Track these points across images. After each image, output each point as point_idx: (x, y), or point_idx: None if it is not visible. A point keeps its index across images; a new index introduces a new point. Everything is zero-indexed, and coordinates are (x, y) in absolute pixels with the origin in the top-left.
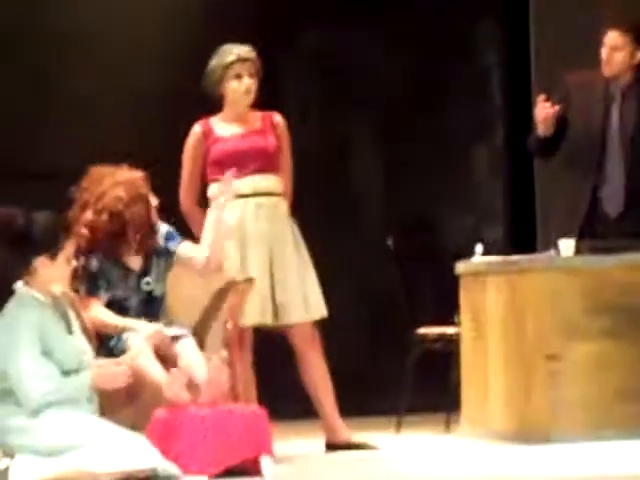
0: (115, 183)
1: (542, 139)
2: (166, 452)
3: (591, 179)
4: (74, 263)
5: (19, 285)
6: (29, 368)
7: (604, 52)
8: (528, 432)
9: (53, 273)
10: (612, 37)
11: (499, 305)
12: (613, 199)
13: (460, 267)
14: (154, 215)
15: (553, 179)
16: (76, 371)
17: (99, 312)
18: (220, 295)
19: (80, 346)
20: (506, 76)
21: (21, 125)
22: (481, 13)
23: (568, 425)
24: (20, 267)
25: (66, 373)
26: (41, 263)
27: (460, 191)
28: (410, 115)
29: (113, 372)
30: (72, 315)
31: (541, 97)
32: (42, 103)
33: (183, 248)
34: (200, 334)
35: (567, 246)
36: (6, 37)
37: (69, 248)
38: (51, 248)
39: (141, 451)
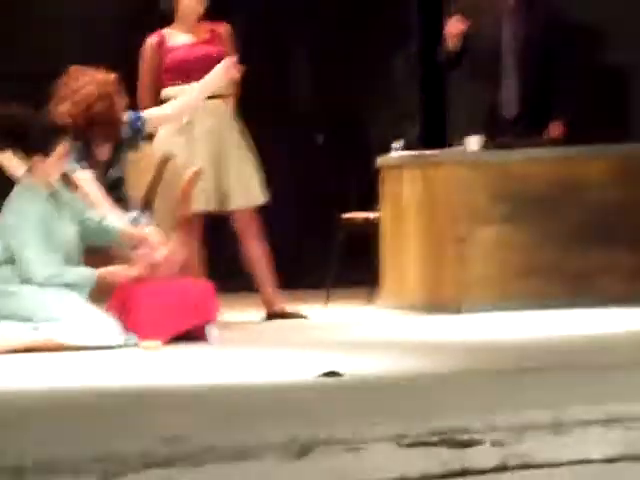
0: (90, 81)
1: (450, 53)
2: (126, 320)
3: (489, 86)
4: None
5: (23, 175)
6: (34, 252)
7: None
8: (440, 304)
9: (48, 170)
10: None
11: (414, 194)
12: (509, 103)
13: (380, 160)
14: (122, 111)
15: (459, 85)
16: (70, 257)
17: (91, 188)
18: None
19: (70, 232)
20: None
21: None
22: None
23: (474, 298)
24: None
25: (67, 259)
26: (39, 160)
27: (381, 94)
28: (339, 25)
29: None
30: (70, 200)
31: (453, 17)
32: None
33: (148, 113)
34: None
35: (474, 142)
36: None
37: (60, 148)
38: (46, 148)
39: (106, 327)
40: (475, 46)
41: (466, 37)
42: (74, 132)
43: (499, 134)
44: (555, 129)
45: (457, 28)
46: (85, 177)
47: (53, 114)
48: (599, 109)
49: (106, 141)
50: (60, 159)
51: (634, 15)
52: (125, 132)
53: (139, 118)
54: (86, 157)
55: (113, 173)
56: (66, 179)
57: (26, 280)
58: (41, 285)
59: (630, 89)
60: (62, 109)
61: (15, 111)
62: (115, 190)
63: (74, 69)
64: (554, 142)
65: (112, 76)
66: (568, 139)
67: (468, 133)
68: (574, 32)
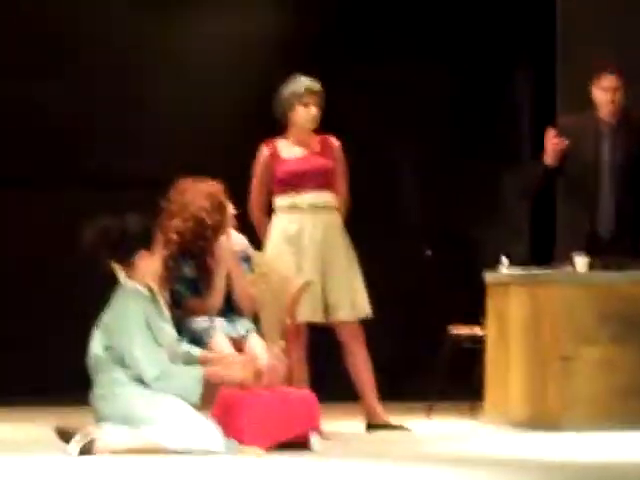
0: (199, 194)
1: (546, 170)
2: (228, 426)
3: (584, 207)
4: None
5: (122, 279)
6: (142, 351)
7: (608, 95)
8: (542, 421)
9: (150, 265)
10: (613, 79)
11: (520, 311)
12: (606, 222)
13: (488, 277)
14: (231, 221)
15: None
16: (171, 359)
17: (222, 344)
18: (280, 295)
19: (173, 332)
20: (533, 111)
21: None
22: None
23: (577, 417)
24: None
25: (172, 359)
26: (140, 257)
27: (491, 209)
28: (448, 145)
29: (229, 370)
30: (163, 304)
31: (550, 131)
32: (124, 122)
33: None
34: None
35: (581, 262)
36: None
37: (160, 245)
38: (146, 244)
39: (208, 432)
40: (573, 166)
41: (564, 157)
42: (182, 245)
43: (598, 254)
44: None
45: (555, 144)
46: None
47: (161, 229)
48: None
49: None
50: (155, 263)
51: None
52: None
53: (248, 260)
54: (200, 277)
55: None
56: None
57: (136, 378)
58: (149, 386)
59: None
60: (171, 225)
61: (107, 225)
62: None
63: (182, 182)
64: None
65: (220, 187)
66: None
67: (571, 251)
68: None
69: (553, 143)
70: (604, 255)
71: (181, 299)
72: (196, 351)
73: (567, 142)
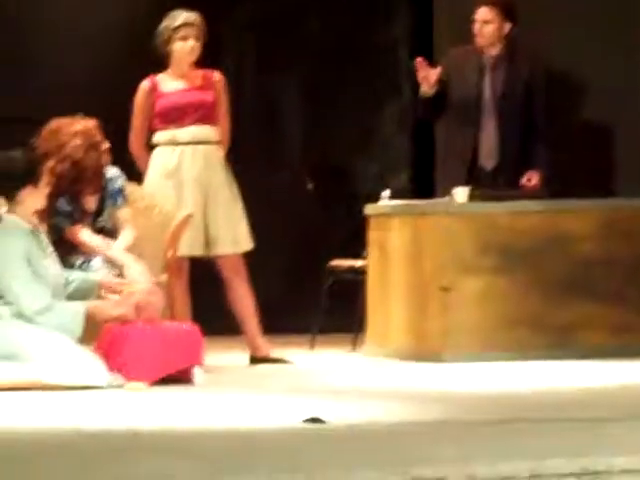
0: (74, 133)
1: (425, 99)
2: (112, 361)
3: (468, 137)
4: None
5: (3, 214)
6: (22, 285)
7: (476, 26)
8: (424, 352)
9: (37, 200)
10: (482, 11)
11: (401, 243)
12: (488, 155)
13: (369, 209)
14: (105, 158)
15: (447, 136)
16: (54, 295)
17: (90, 237)
18: (161, 229)
19: (57, 269)
20: (412, 46)
21: None
22: None
23: (458, 347)
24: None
25: (54, 296)
26: (27, 193)
27: (372, 143)
28: (330, 76)
29: (112, 306)
30: (46, 240)
31: (419, 60)
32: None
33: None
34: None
35: (461, 193)
36: None
37: (44, 180)
38: (32, 178)
39: (91, 367)
40: (456, 98)
41: (444, 84)
42: (60, 186)
43: (478, 185)
44: (530, 179)
45: (427, 71)
46: (84, 229)
47: (35, 161)
48: (580, 163)
49: (94, 192)
50: (41, 198)
51: (617, 69)
52: (110, 189)
53: (120, 191)
54: (75, 208)
55: (100, 222)
56: (50, 230)
57: (17, 314)
58: (30, 321)
59: (612, 143)
60: (48, 165)
61: None
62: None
63: (55, 122)
64: (538, 194)
65: (92, 123)
66: (550, 192)
67: (452, 182)
68: (556, 85)
69: (422, 72)
70: (485, 187)
71: (60, 232)
72: (96, 276)
73: (439, 70)
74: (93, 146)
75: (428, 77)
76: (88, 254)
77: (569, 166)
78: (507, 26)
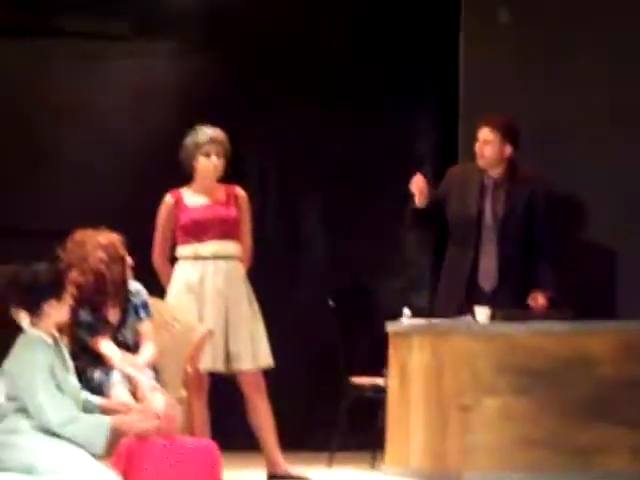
0: (97, 246)
1: (416, 210)
2: (129, 477)
3: (466, 257)
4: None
5: (26, 326)
6: (46, 397)
7: (477, 146)
8: (443, 472)
9: (60, 313)
10: (483, 132)
11: (422, 362)
12: (487, 276)
13: (390, 326)
14: (128, 272)
15: (446, 255)
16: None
17: (110, 349)
18: (182, 343)
19: (77, 384)
20: (437, 164)
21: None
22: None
23: (478, 467)
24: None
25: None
26: (51, 306)
27: (393, 261)
28: (350, 195)
29: (138, 420)
30: (67, 354)
31: (417, 174)
32: (36, 169)
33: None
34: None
35: (482, 313)
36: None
37: (68, 290)
38: (56, 292)
39: None
40: (455, 216)
41: (438, 204)
42: (82, 298)
43: (477, 305)
44: (536, 299)
45: (420, 183)
46: (104, 341)
47: (59, 274)
48: (583, 285)
49: (116, 305)
50: (64, 311)
51: (618, 191)
52: (134, 302)
53: (145, 308)
54: (96, 319)
55: (123, 336)
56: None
57: (38, 428)
58: (53, 433)
59: (615, 266)
60: (70, 277)
61: (18, 268)
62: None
63: (79, 234)
64: (562, 315)
65: (116, 237)
66: (563, 312)
67: (449, 302)
68: (558, 207)
69: (420, 184)
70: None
71: (82, 342)
72: (95, 399)
73: (428, 186)
74: (116, 260)
75: (424, 191)
76: (108, 367)
77: (573, 287)
78: (508, 149)
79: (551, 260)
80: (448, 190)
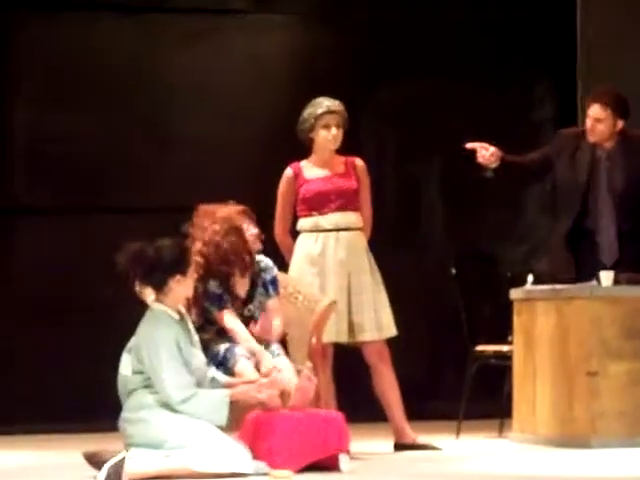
0: (213, 218)
1: (490, 173)
2: (256, 448)
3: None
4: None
5: (153, 302)
6: (169, 375)
7: (588, 122)
8: (570, 438)
9: (185, 289)
10: (595, 109)
11: (546, 327)
12: (608, 250)
13: (514, 293)
14: (253, 242)
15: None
16: (200, 382)
17: (234, 323)
18: (306, 315)
19: (203, 357)
20: (557, 129)
21: (134, 168)
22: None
23: (606, 433)
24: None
25: (197, 383)
26: (176, 281)
27: (516, 227)
28: (470, 162)
29: (255, 391)
30: (192, 328)
31: (468, 146)
32: (153, 148)
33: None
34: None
35: (607, 277)
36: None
37: (192, 267)
38: (180, 267)
39: (237, 455)
40: (564, 183)
41: (549, 156)
42: (207, 269)
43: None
44: None
45: (483, 157)
46: (229, 314)
47: (183, 249)
48: None
49: (243, 274)
50: (189, 286)
51: None
52: (263, 278)
53: (274, 284)
54: (224, 292)
55: (250, 311)
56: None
57: (163, 403)
58: (175, 410)
59: None
60: (194, 249)
61: (143, 245)
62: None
63: (203, 208)
64: None
65: (237, 209)
66: None
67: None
68: None
69: (480, 153)
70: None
71: (209, 314)
72: (221, 377)
73: (495, 150)
74: (231, 231)
75: (486, 157)
76: (233, 341)
77: None
78: (619, 123)
79: None
80: (559, 152)
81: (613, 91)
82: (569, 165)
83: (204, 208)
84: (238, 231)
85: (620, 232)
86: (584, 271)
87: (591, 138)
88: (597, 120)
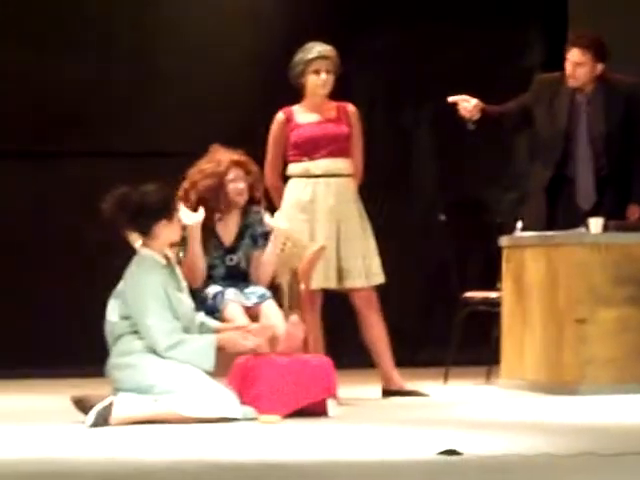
0: (210, 159)
1: (473, 124)
2: (245, 393)
3: (548, 171)
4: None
5: (139, 247)
6: (155, 320)
7: (568, 67)
8: (559, 385)
9: (171, 233)
10: (574, 53)
11: (536, 274)
12: (586, 195)
13: (503, 240)
14: (236, 195)
15: (532, 168)
16: (188, 328)
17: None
18: (294, 260)
19: (190, 302)
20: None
21: (118, 106)
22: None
23: (594, 380)
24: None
25: (185, 329)
26: (162, 226)
27: (505, 174)
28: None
29: (242, 337)
30: (180, 274)
31: (451, 99)
32: (138, 86)
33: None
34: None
35: (596, 224)
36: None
37: (179, 212)
38: (165, 212)
39: (225, 400)
40: (544, 128)
41: (526, 105)
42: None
43: (575, 224)
44: (635, 212)
45: (465, 109)
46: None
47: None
48: None
49: (228, 225)
50: (175, 231)
51: None
52: (254, 227)
53: (263, 236)
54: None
55: (233, 260)
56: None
57: (150, 349)
58: (162, 356)
59: None
60: (183, 186)
61: (127, 190)
62: (235, 276)
63: (212, 147)
64: None
65: (233, 158)
66: None
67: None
68: None
69: (461, 105)
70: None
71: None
72: (211, 322)
73: (476, 102)
74: (213, 175)
75: (468, 109)
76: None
77: None
78: (599, 67)
79: None
80: (537, 99)
81: (592, 35)
82: (548, 112)
83: (214, 147)
84: (218, 177)
85: (600, 177)
86: (565, 218)
87: (572, 83)
88: (577, 64)
